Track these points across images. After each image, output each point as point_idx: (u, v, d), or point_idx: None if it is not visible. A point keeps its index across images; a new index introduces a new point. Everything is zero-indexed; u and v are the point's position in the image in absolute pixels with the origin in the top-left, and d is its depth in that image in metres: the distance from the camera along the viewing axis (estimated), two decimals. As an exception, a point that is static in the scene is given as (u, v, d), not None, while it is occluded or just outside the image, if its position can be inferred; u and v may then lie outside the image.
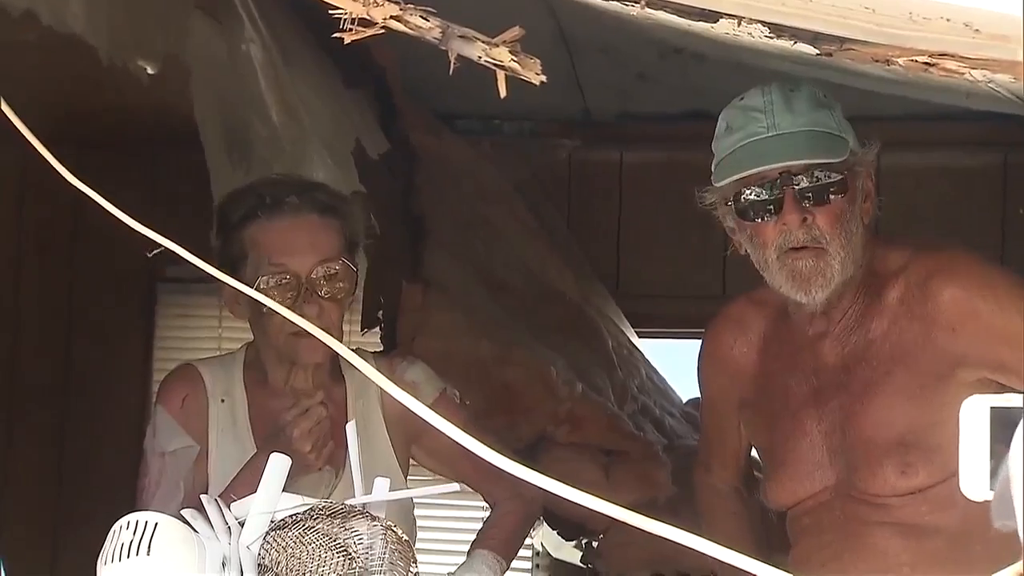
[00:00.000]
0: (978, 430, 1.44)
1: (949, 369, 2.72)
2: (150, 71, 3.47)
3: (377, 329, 4.13)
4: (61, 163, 1.85)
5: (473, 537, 3.20)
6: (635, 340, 4.91)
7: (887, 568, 2.74)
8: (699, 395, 4.68)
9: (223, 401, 3.01)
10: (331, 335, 2.90)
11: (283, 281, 2.90)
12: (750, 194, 2.74)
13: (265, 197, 2.99)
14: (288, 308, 2.79)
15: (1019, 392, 2.70)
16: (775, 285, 2.79)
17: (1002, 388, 2.70)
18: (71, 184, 1.92)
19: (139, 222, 1.87)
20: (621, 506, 1.47)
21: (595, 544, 4.29)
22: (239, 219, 2.96)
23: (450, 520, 5.24)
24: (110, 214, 1.87)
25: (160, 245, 1.83)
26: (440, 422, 1.59)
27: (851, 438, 2.79)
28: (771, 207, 2.73)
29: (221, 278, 2.03)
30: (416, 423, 3.03)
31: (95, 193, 1.87)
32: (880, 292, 2.80)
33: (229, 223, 2.99)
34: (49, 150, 1.90)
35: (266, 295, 2.83)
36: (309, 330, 1.85)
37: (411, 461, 3.17)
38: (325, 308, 2.92)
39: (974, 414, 1.43)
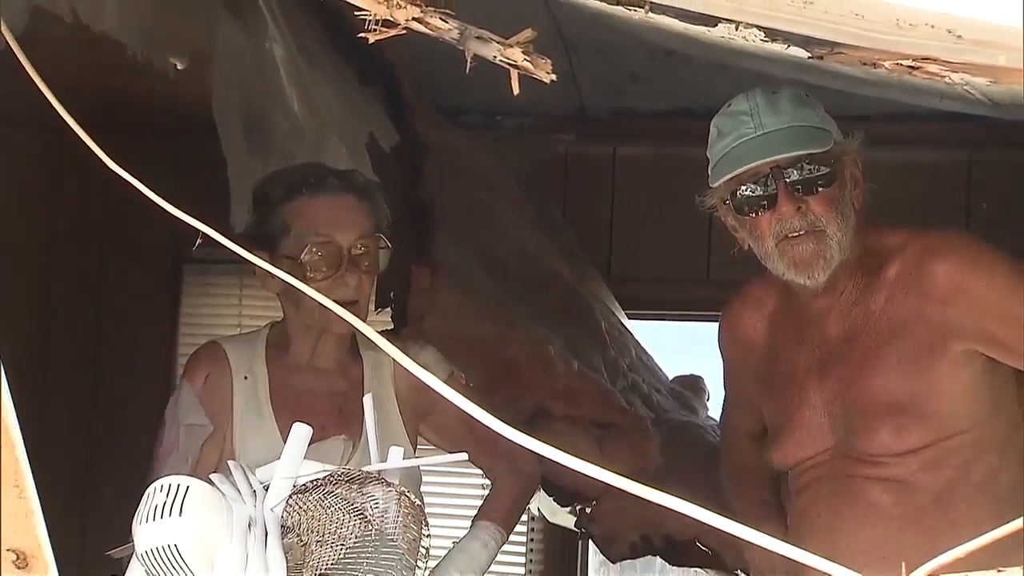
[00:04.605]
0: None
1: (941, 340, 2.72)
2: (179, 66, 3.46)
3: (389, 308, 4.12)
4: (103, 150, 1.85)
5: (473, 502, 3.22)
6: (626, 321, 4.90)
7: (878, 520, 2.76)
8: (691, 373, 4.77)
9: (246, 378, 3.00)
10: (364, 306, 2.97)
11: (329, 251, 2.91)
12: (745, 190, 2.75)
13: (309, 176, 3.01)
14: (331, 278, 2.89)
15: (1007, 366, 2.74)
16: (778, 272, 2.80)
17: (990, 361, 2.72)
18: (103, 169, 1.91)
19: (174, 206, 1.87)
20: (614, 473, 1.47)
21: (588, 510, 4.29)
22: (282, 195, 2.97)
23: (453, 487, 5.24)
24: (139, 198, 1.87)
25: (203, 236, 1.83)
26: (451, 393, 1.60)
27: (850, 404, 2.80)
28: (766, 201, 2.73)
29: (249, 257, 2.03)
30: (425, 402, 3.06)
31: (134, 179, 1.87)
32: (879, 270, 2.81)
33: (269, 200, 2.99)
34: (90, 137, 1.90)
35: (311, 265, 2.88)
36: (332, 308, 1.84)
37: (418, 438, 3.18)
38: (362, 280, 2.95)
39: None
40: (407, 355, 1.69)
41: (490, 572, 3.13)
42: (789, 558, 1.41)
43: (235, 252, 1.90)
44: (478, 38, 1.78)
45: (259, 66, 3.63)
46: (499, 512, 3.16)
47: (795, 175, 2.72)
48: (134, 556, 2.15)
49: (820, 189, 2.73)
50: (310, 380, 3.01)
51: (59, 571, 1.86)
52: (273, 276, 2.91)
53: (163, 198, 1.86)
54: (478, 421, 1.56)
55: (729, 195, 2.79)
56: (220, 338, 3.14)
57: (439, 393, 1.56)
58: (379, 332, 1.83)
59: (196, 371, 3.04)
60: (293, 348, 3.02)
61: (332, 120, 3.84)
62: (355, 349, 3.07)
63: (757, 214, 2.75)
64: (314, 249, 2.91)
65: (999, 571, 1.36)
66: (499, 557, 3.18)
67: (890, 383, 2.76)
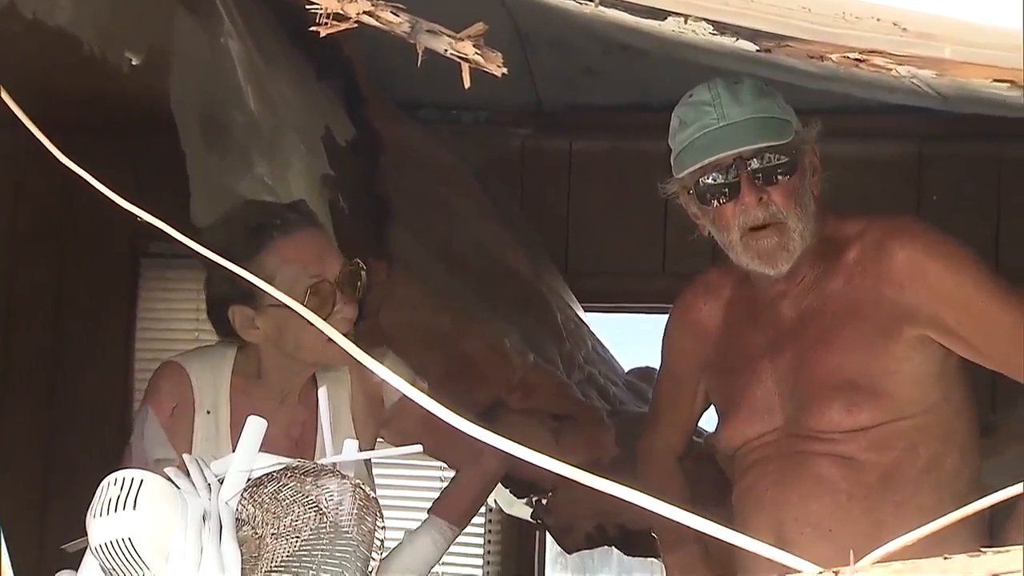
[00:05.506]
0: None
1: (896, 323, 2.74)
2: (134, 62, 3.43)
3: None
4: (56, 146, 1.83)
5: (429, 495, 3.21)
6: (582, 314, 4.91)
7: (825, 492, 2.77)
8: (646, 365, 4.77)
9: (208, 413, 2.91)
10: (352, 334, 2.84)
11: (323, 289, 2.81)
12: (708, 180, 2.77)
13: (273, 218, 2.88)
14: (329, 314, 2.75)
15: (958, 354, 2.76)
16: (741, 263, 2.82)
17: (943, 349, 2.74)
18: (63, 166, 1.90)
19: (129, 201, 1.86)
20: (570, 465, 1.47)
21: (544, 501, 4.29)
22: (254, 246, 2.80)
23: (408, 479, 5.23)
24: (99, 195, 1.86)
25: (139, 213, 1.82)
26: (420, 396, 1.59)
27: (803, 382, 2.82)
28: (727, 190, 2.75)
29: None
30: (384, 413, 3.04)
31: (89, 175, 1.85)
32: (838, 255, 2.83)
33: (238, 257, 2.54)
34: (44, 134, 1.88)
35: (312, 309, 2.65)
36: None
37: (380, 440, 3.13)
38: (353, 309, 2.86)
39: None
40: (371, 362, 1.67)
41: (447, 565, 3.14)
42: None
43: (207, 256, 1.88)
44: (429, 32, 1.78)
45: (215, 61, 3.61)
46: (455, 510, 3.15)
47: (757, 164, 2.74)
48: (88, 550, 2.14)
49: (781, 178, 2.75)
50: (272, 414, 2.81)
51: (16, 566, 1.84)
52: (256, 326, 2.85)
53: (122, 195, 1.85)
54: (440, 421, 1.55)
55: (692, 184, 2.80)
56: (183, 357, 2.99)
57: (399, 400, 1.53)
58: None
59: (161, 401, 2.92)
60: (266, 381, 2.94)
61: (288, 114, 3.82)
62: (312, 375, 2.98)
63: (720, 203, 2.77)
64: (310, 293, 2.79)
65: (945, 558, 1.37)
66: (456, 549, 3.18)
67: (843, 362, 2.77)
